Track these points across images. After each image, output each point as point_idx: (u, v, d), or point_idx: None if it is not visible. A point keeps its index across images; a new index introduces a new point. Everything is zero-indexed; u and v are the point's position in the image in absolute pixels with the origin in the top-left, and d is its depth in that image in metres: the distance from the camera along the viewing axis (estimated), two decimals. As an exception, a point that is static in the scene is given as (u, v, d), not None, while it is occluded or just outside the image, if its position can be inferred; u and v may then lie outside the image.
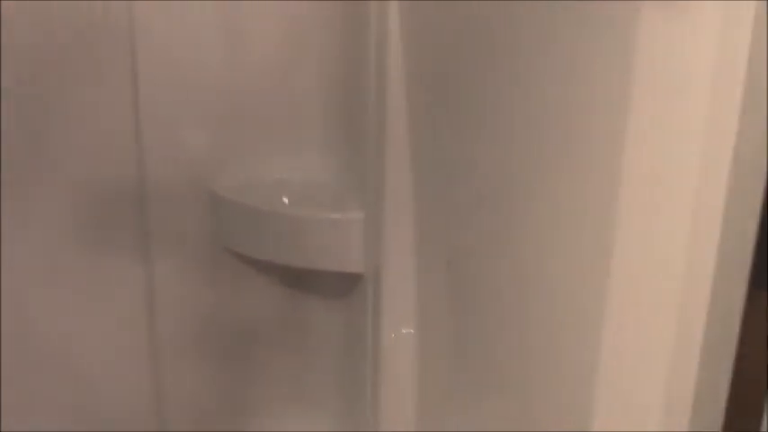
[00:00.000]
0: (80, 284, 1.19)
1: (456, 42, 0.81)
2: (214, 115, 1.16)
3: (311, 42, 1.13)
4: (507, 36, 0.69)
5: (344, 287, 1.15)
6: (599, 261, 0.57)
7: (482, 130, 0.77)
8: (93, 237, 1.18)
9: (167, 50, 1.11)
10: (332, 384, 1.27)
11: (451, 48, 0.82)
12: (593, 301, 0.58)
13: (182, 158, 1.16)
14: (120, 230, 1.18)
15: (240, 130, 1.17)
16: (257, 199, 1.14)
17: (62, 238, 1.16)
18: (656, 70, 0.50)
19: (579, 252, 0.61)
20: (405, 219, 0.96)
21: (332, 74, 1.13)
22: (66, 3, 1.07)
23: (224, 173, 1.18)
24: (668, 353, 0.54)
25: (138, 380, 1.25)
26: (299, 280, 1.23)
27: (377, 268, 1.01)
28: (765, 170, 0.50)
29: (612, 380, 0.58)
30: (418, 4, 0.88)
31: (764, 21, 0.47)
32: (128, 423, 1.26)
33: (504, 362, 0.77)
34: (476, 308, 0.83)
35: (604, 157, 0.56)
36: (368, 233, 1.04)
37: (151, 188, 1.16)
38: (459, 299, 0.88)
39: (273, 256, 1.14)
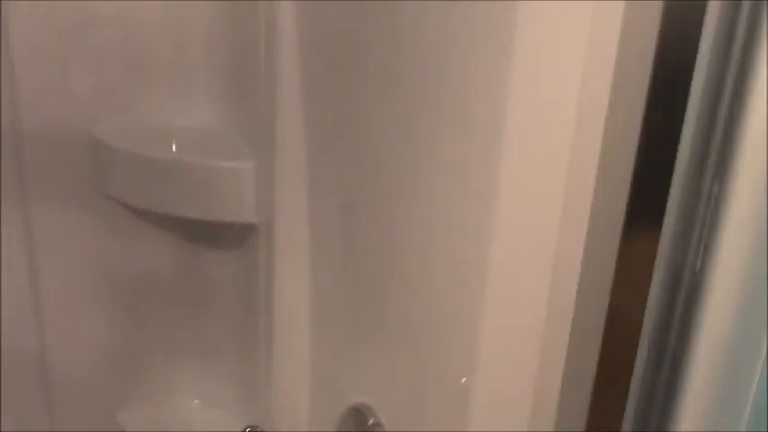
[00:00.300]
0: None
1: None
2: (96, 56, 1.09)
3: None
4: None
5: (238, 238, 1.13)
6: (482, 207, 0.57)
7: (370, 82, 0.76)
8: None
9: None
10: (227, 336, 1.25)
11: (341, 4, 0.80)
12: (475, 250, 0.59)
13: (61, 101, 1.10)
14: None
15: (124, 71, 1.11)
16: (142, 146, 1.09)
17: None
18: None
19: (463, 200, 0.61)
20: (297, 169, 0.94)
21: (221, 17, 1.08)
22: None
23: (106, 118, 1.12)
24: (545, 299, 0.55)
25: (22, 327, 1.20)
26: (191, 230, 1.20)
27: (270, 219, 0.99)
28: (641, 116, 0.52)
29: (495, 326, 0.59)
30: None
31: None
32: (12, 372, 1.20)
33: (392, 311, 0.77)
34: (366, 257, 0.83)
35: (485, 111, 0.56)
36: (260, 183, 1.01)
37: (28, 131, 1.09)
38: (350, 248, 0.87)
39: (161, 207, 1.10)
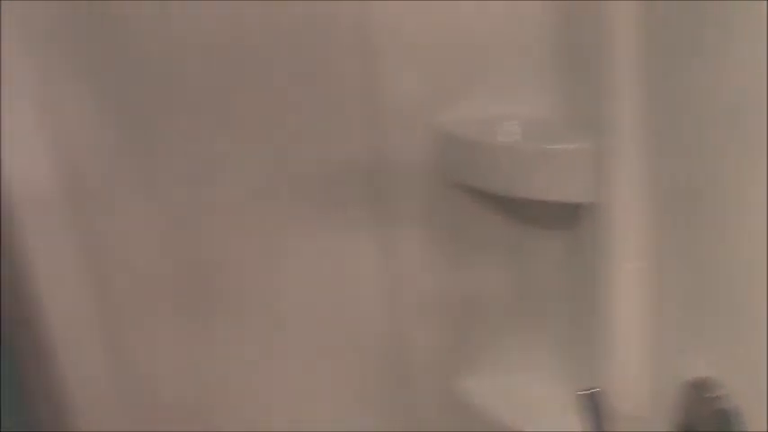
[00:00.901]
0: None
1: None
2: (439, 55, 1.22)
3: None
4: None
5: (574, 218, 1.19)
6: None
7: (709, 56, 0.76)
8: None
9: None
10: (556, 314, 1.32)
11: None
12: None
13: (411, 95, 1.25)
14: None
15: (464, 71, 1.23)
16: (485, 133, 1.20)
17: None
18: None
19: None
20: (634, 150, 0.97)
21: (557, 6, 1.15)
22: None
23: (452, 112, 1.25)
24: None
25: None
26: (527, 211, 1.29)
27: (607, 199, 1.03)
28: None
29: None
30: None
31: None
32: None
33: (735, 289, 0.77)
34: (710, 238, 0.83)
35: None
36: (596, 164, 1.06)
37: (380, 122, 1.26)
38: (692, 229, 0.88)
39: (504, 189, 1.20)
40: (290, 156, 1.28)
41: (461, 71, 1.24)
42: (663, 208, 0.95)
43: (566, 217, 1.20)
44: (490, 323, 1.38)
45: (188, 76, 1.22)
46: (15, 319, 1.22)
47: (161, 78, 1.22)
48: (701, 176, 0.83)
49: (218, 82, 1.23)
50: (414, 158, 1.27)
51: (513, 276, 1.34)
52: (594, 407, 0.88)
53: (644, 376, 1.03)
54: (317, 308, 1.37)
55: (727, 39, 0.74)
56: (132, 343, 1.33)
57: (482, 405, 1.36)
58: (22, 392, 1.26)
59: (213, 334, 1.35)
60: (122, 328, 1.31)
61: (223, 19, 1.19)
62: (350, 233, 1.34)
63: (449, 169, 1.26)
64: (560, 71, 1.17)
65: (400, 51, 1.21)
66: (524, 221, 1.31)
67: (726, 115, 0.76)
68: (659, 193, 0.95)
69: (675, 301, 0.94)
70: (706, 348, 0.86)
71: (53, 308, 1.23)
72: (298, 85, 1.24)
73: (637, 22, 0.93)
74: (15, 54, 1.13)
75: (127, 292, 1.31)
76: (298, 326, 1.38)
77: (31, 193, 1.18)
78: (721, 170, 0.77)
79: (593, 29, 1.01)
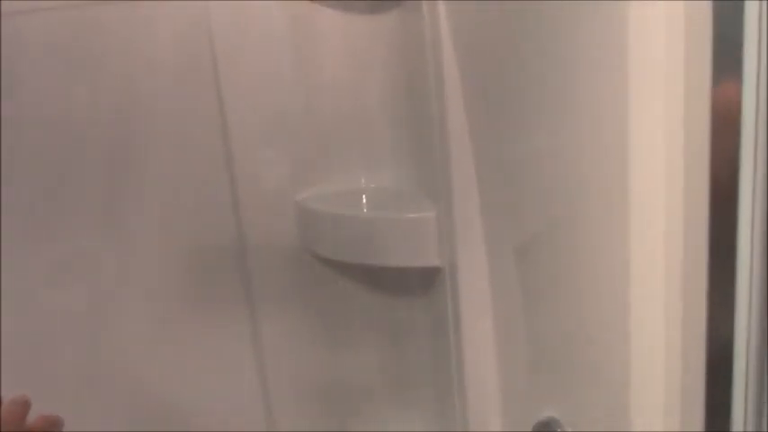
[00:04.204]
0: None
1: (503, 37, 0.89)
2: (293, 136, 1.28)
3: (374, 57, 1.23)
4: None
5: (425, 281, 1.26)
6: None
7: (539, 123, 0.85)
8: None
9: (249, 81, 1.24)
10: (423, 379, 1.37)
11: (499, 42, 0.91)
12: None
13: (269, 176, 1.30)
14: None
15: (317, 148, 1.30)
16: (339, 206, 1.26)
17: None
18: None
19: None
20: (473, 213, 1.05)
21: (395, 85, 1.24)
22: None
23: (306, 187, 1.30)
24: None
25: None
26: (381, 278, 1.35)
27: (452, 261, 1.11)
28: None
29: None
30: (463, 4, 0.97)
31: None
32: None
33: (576, 347, 0.85)
34: (546, 295, 0.92)
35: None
36: (441, 229, 1.14)
37: (243, 204, 1.30)
38: (530, 287, 0.96)
39: (358, 258, 1.26)
40: (158, 244, 1.28)
41: (315, 148, 1.30)
42: (504, 266, 1.03)
43: (423, 284, 1.27)
44: (365, 403, 1.42)
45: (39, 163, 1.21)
46: None
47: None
48: (535, 234, 0.92)
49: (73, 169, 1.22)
50: (277, 236, 1.31)
51: (383, 347, 1.39)
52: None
53: (498, 421, 1.10)
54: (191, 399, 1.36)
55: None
56: None
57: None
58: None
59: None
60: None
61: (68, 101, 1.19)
62: (220, 317, 1.34)
63: (310, 244, 1.30)
64: (405, 144, 1.26)
65: (255, 131, 1.26)
66: (387, 291, 1.37)
67: (555, 177, 0.84)
68: (500, 252, 1.03)
69: (523, 352, 1.01)
70: (552, 393, 0.93)
71: None
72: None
73: (464, 88, 1.01)
74: None
75: None
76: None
77: None
78: (560, 226, 0.85)
79: (429, 103, 1.09)
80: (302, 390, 1.39)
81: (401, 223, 1.19)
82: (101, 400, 1.28)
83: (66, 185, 1.22)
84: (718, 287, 0.62)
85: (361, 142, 1.30)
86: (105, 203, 1.24)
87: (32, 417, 0.75)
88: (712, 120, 0.59)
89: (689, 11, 0.59)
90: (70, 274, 1.25)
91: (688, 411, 0.66)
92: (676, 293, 0.65)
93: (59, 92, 1.19)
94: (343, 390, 1.41)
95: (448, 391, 1.20)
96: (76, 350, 1.27)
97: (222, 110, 1.24)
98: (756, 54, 0.56)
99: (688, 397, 0.66)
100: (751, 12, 0.56)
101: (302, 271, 1.33)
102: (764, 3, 0.55)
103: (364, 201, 1.29)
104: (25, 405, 0.75)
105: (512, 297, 1.02)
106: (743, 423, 0.63)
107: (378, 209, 1.25)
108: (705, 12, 0.58)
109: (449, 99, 1.02)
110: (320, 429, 1.41)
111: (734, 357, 0.63)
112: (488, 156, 1.01)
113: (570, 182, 0.79)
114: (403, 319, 1.36)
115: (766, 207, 0.58)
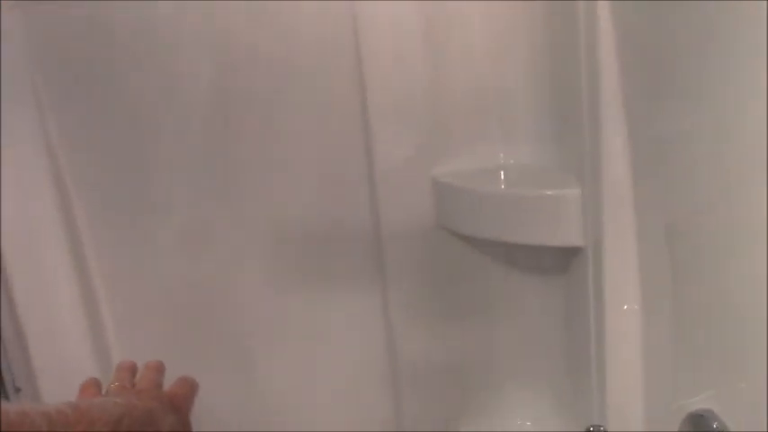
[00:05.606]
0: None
1: (667, 26, 0.84)
2: (429, 111, 1.27)
3: (516, 26, 1.21)
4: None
5: (562, 262, 1.22)
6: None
7: (692, 103, 0.81)
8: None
9: (389, 65, 1.24)
10: (554, 360, 1.34)
11: (663, 31, 0.86)
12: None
13: (404, 150, 1.29)
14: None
15: (454, 123, 1.28)
16: (476, 182, 1.24)
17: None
18: None
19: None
20: (623, 192, 1.00)
21: (539, 59, 1.20)
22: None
23: (443, 162, 1.29)
24: None
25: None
26: (515, 256, 1.32)
27: (598, 241, 1.06)
28: None
29: None
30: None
31: None
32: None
33: (725, 334, 0.80)
34: (693, 279, 0.86)
35: None
36: (586, 208, 1.09)
37: (381, 184, 1.30)
38: (679, 270, 0.91)
39: (494, 235, 1.23)
40: (289, 216, 1.31)
41: (452, 125, 1.28)
42: (653, 249, 0.98)
43: (560, 263, 1.23)
44: (491, 378, 1.40)
45: (184, 136, 1.26)
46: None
47: (159, 137, 1.25)
48: (688, 216, 0.87)
49: (212, 143, 1.27)
50: (411, 210, 1.30)
51: (514, 326, 1.37)
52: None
53: (641, 415, 1.05)
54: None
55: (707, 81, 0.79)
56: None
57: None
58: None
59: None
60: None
61: (216, 80, 1.24)
62: (353, 289, 1.36)
63: (446, 220, 1.29)
64: (547, 119, 1.22)
65: (392, 109, 1.25)
66: (521, 269, 1.34)
67: (707, 156, 0.80)
68: (649, 233, 0.98)
69: (669, 338, 0.96)
70: (702, 384, 0.88)
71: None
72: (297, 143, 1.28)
73: (620, 65, 0.97)
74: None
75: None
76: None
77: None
78: (709, 208, 0.81)
79: (578, 74, 1.05)
80: (431, 364, 1.38)
81: (542, 200, 1.15)
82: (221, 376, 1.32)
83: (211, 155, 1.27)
84: None
85: (500, 117, 1.27)
86: (257, 169, 1.29)
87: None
88: None
89: None
90: (197, 245, 1.31)
91: None
92: None
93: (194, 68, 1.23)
94: (470, 366, 1.40)
95: (584, 376, 1.16)
96: (205, 318, 1.34)
97: (362, 80, 1.24)
98: None
99: None
100: None
101: (436, 246, 1.32)
102: None
103: (502, 177, 1.26)
104: (160, 369, 0.79)
105: (660, 281, 0.96)
106: None
107: (517, 185, 1.22)
108: None
109: (603, 73, 0.97)
110: (445, 403, 1.40)
111: None
112: (641, 133, 0.95)
113: (715, 162, 0.75)
114: (536, 299, 1.33)
115: None
